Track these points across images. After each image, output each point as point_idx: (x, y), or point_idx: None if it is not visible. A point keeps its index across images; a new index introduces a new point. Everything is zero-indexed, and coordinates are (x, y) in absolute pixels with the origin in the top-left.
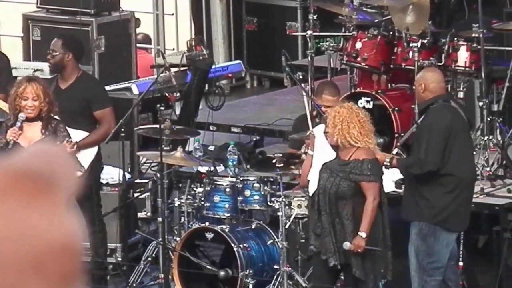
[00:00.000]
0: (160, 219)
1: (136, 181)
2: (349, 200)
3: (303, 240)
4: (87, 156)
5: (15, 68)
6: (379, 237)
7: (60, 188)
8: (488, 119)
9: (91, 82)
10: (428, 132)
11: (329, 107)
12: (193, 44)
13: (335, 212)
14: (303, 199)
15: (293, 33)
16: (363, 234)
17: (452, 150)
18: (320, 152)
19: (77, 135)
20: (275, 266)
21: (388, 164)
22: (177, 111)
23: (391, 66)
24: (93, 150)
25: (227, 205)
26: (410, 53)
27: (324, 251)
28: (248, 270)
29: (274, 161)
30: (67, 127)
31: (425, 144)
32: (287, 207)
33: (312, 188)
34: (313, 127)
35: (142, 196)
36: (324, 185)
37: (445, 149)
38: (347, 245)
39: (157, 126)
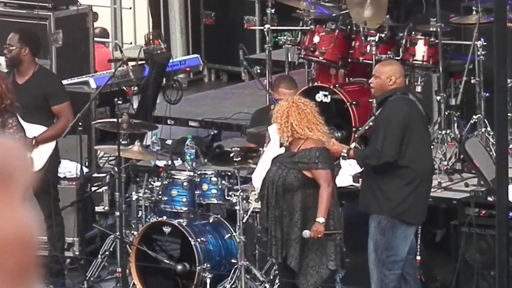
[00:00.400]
0: (117, 213)
1: (93, 175)
2: (297, 191)
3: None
4: (45, 151)
5: None
6: (336, 222)
7: (15, 181)
8: (446, 113)
9: (48, 76)
10: (385, 124)
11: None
12: (151, 38)
13: (283, 204)
14: None
15: (251, 27)
16: (320, 219)
17: (410, 143)
18: (271, 149)
19: (35, 130)
20: (233, 260)
21: (345, 155)
22: (135, 105)
23: (349, 60)
24: (51, 145)
25: (184, 199)
26: (368, 47)
27: (269, 244)
28: (205, 264)
29: (231, 155)
30: (24, 122)
31: (382, 136)
32: (244, 201)
33: (257, 183)
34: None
35: (100, 190)
36: (272, 178)
37: (402, 141)
38: (306, 233)
39: (115, 120)
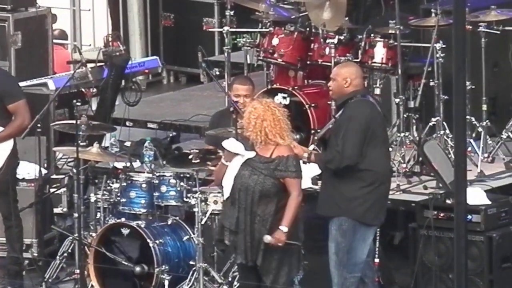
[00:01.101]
0: (76, 215)
1: (52, 177)
2: (273, 197)
3: None
4: (2, 151)
5: None
6: (299, 233)
7: None
8: (405, 115)
9: (3, 76)
10: (346, 126)
11: (240, 96)
12: (110, 40)
13: (256, 210)
14: (219, 195)
15: (210, 29)
16: (284, 228)
17: (370, 145)
18: (237, 161)
19: None
20: (191, 262)
21: (306, 159)
22: (94, 107)
23: (308, 62)
24: (9, 145)
25: (143, 201)
26: (327, 49)
27: (234, 249)
28: (163, 266)
29: (190, 157)
30: None
31: (343, 138)
32: (203, 203)
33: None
34: (231, 125)
35: (58, 191)
36: (246, 183)
37: (363, 144)
38: (267, 238)
39: (73, 121)
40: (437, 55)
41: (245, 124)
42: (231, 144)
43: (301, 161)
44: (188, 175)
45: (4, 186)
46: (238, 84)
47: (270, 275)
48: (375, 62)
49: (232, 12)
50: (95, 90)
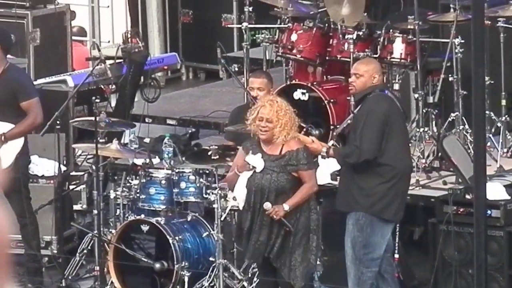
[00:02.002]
0: (95, 212)
1: (71, 174)
2: (289, 192)
3: None
4: (13, 148)
5: None
6: (317, 241)
7: None
8: (424, 111)
9: (17, 73)
10: (364, 121)
11: (253, 89)
12: (129, 36)
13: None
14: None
15: (229, 25)
16: (286, 206)
17: (389, 140)
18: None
19: (2, 127)
20: (211, 259)
21: (325, 154)
22: (113, 104)
23: (327, 58)
24: (19, 142)
25: (162, 197)
26: (346, 45)
27: (250, 248)
28: (183, 263)
29: (209, 153)
30: None
31: (362, 133)
32: (222, 199)
33: (241, 200)
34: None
35: (78, 188)
36: (260, 184)
37: (382, 138)
38: (267, 205)
39: (93, 118)
40: (456, 51)
41: (253, 127)
42: (255, 160)
43: (319, 156)
44: (207, 171)
45: (15, 184)
46: (253, 77)
47: (285, 268)
48: (394, 58)
49: (250, 8)
50: (114, 86)
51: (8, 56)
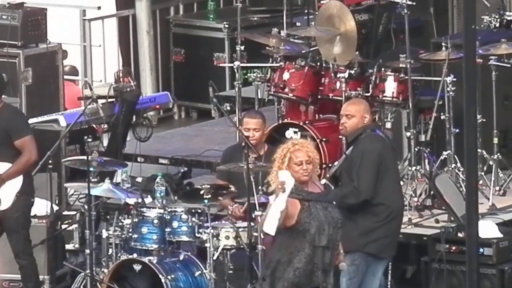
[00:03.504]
0: (88, 251)
1: (63, 213)
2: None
3: (231, 271)
4: (11, 188)
5: None
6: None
7: None
8: (416, 149)
9: (11, 112)
10: (360, 161)
11: (249, 129)
12: (121, 75)
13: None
14: (231, 230)
15: (221, 64)
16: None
17: (383, 179)
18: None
19: (1, 167)
20: None
21: None
22: (105, 143)
23: (319, 96)
24: (18, 182)
25: (155, 237)
26: (338, 84)
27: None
28: None
29: (201, 192)
30: None
31: (358, 174)
32: (215, 238)
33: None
34: (243, 160)
35: (70, 228)
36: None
37: (377, 177)
38: (343, 266)
39: (85, 157)
40: (448, 89)
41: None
42: (286, 177)
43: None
44: (199, 211)
45: (14, 224)
46: (248, 117)
47: None
48: (386, 96)
49: (242, 47)
50: (106, 126)
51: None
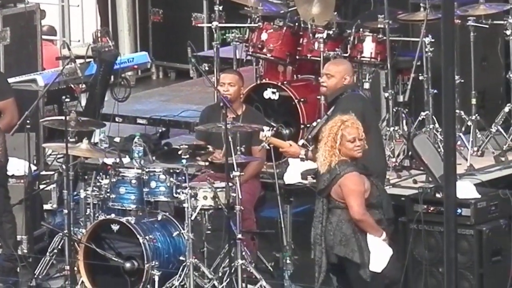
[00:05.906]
0: (66, 211)
1: (42, 173)
2: None
3: (209, 232)
4: None
5: None
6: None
7: None
8: (394, 110)
9: None
10: None
11: (224, 84)
12: (99, 35)
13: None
14: (209, 190)
15: (199, 24)
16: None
17: (367, 139)
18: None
19: None
20: (181, 258)
21: (304, 157)
22: (83, 103)
23: (297, 57)
24: None
25: (133, 197)
26: (316, 44)
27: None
28: (154, 262)
29: (180, 152)
30: None
31: None
32: (192, 199)
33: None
34: (221, 120)
35: (48, 188)
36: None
37: None
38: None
39: (63, 118)
40: (426, 49)
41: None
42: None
43: (298, 159)
44: (177, 171)
45: None
46: (224, 73)
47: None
48: (364, 57)
49: (221, 7)
50: (84, 86)
51: None
